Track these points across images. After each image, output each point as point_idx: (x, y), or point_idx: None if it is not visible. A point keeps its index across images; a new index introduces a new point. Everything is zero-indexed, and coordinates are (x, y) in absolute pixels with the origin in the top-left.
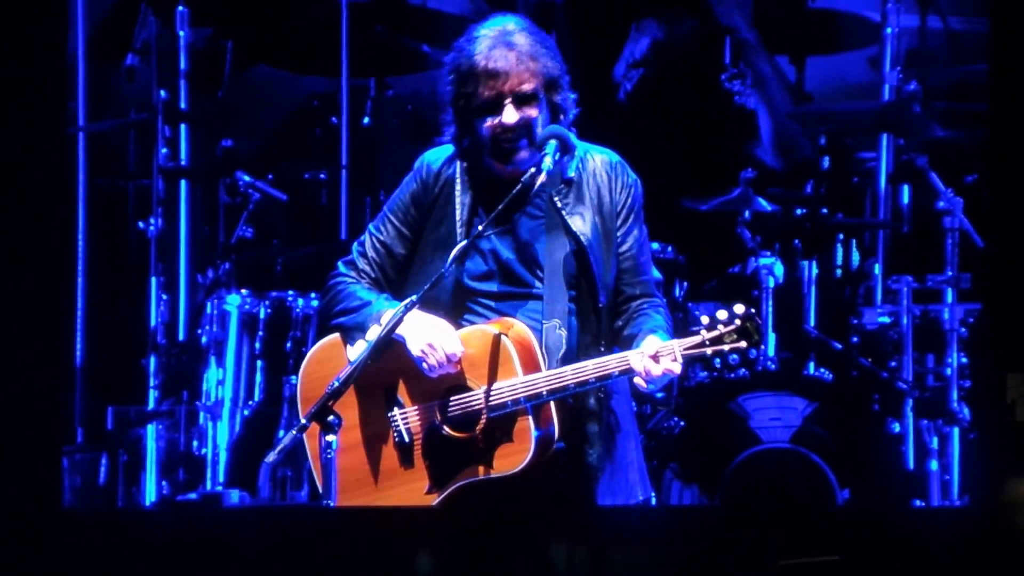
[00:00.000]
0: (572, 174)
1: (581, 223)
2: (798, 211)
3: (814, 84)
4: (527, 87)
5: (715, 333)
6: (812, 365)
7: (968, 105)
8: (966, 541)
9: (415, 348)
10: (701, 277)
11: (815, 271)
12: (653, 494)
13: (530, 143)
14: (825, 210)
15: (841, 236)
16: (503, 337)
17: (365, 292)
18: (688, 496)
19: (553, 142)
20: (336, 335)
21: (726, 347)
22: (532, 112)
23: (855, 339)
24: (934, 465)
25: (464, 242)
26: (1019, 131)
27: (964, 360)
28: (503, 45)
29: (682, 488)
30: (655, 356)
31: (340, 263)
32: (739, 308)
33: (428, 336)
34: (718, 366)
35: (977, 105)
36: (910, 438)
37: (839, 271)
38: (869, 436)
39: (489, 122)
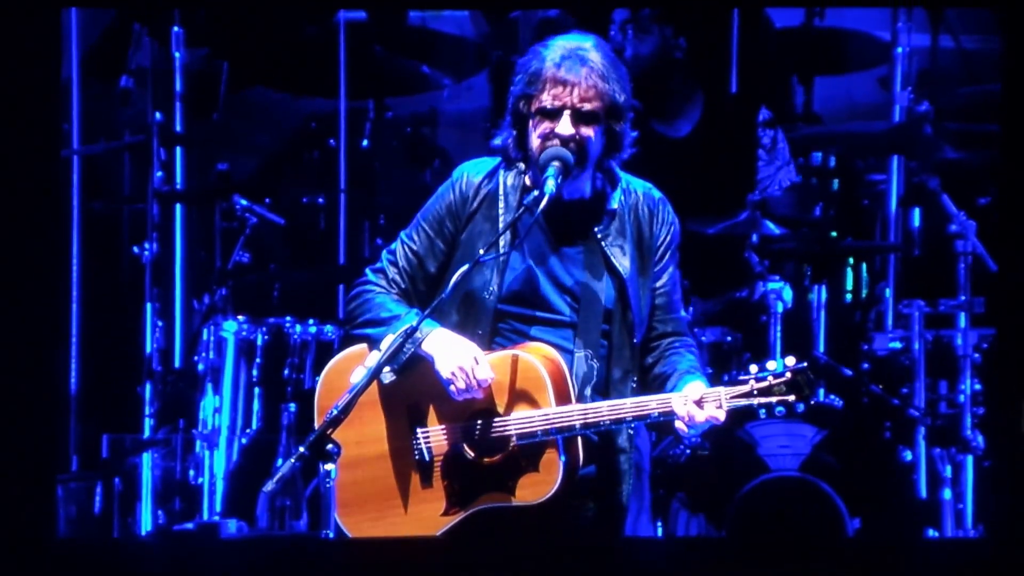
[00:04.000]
0: (615, 205)
1: (621, 256)
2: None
3: (822, 104)
4: (589, 106)
5: (764, 384)
6: (822, 392)
7: (981, 126)
8: (980, 572)
9: (445, 370)
10: (708, 301)
11: (824, 296)
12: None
13: (579, 161)
14: (835, 233)
15: (851, 260)
16: (538, 365)
17: (395, 304)
18: (695, 525)
19: (556, 164)
20: (360, 346)
21: (774, 399)
22: (588, 131)
23: (866, 365)
24: (947, 494)
25: (466, 266)
26: None
27: (978, 386)
28: (577, 59)
29: (689, 517)
30: (699, 402)
31: (368, 271)
32: (790, 360)
33: (459, 359)
34: (763, 416)
35: (990, 126)
36: (922, 466)
37: (849, 296)
38: (880, 464)
39: (543, 126)
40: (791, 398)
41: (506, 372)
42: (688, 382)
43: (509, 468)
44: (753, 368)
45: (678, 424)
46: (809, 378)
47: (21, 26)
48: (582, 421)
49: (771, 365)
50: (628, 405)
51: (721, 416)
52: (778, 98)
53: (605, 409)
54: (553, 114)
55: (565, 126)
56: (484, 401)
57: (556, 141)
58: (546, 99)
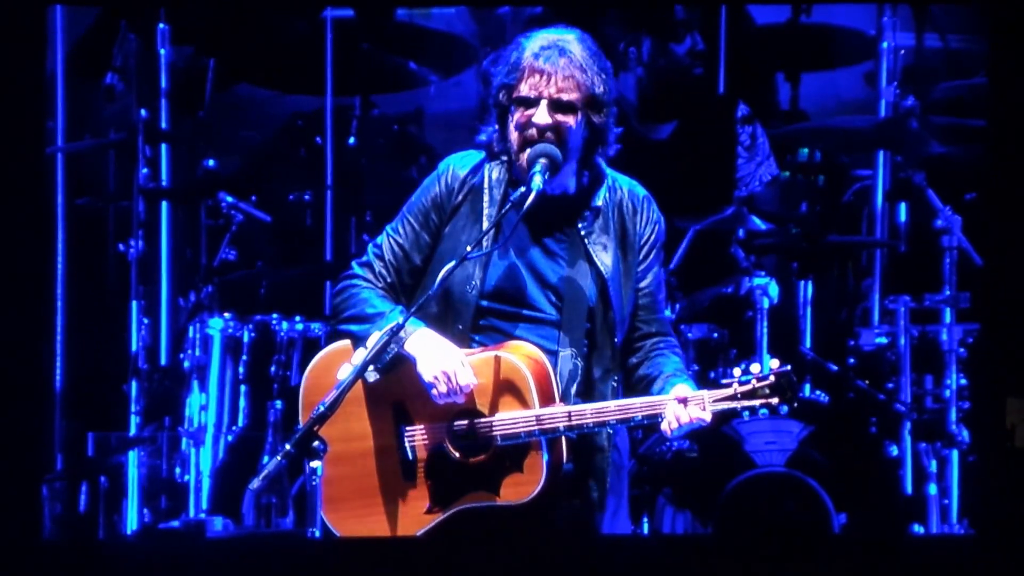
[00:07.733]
0: (600, 202)
1: (604, 254)
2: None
3: (808, 101)
4: (567, 96)
5: (748, 387)
6: (808, 387)
7: (967, 121)
8: (965, 567)
9: (427, 373)
10: (693, 297)
11: (811, 291)
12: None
13: (560, 152)
14: (821, 229)
15: (837, 255)
16: (522, 366)
17: (380, 301)
18: (681, 522)
19: (543, 161)
20: (345, 342)
21: (758, 402)
22: (567, 120)
23: (852, 361)
24: (933, 489)
25: (452, 262)
26: (1018, 148)
27: (963, 381)
28: (556, 49)
29: (675, 514)
30: (683, 402)
31: (355, 264)
32: (774, 363)
33: (443, 363)
34: (746, 418)
35: (976, 121)
36: (908, 461)
37: (835, 291)
38: (866, 460)
39: (520, 115)
40: (774, 400)
41: (490, 374)
42: (674, 385)
43: (493, 468)
44: (737, 371)
45: (663, 425)
46: (792, 381)
47: (6, 23)
48: (566, 423)
49: (754, 368)
50: (612, 408)
51: (707, 418)
52: (764, 94)
53: (589, 412)
54: (531, 103)
55: (542, 115)
56: (468, 401)
57: (533, 131)
58: (524, 88)
